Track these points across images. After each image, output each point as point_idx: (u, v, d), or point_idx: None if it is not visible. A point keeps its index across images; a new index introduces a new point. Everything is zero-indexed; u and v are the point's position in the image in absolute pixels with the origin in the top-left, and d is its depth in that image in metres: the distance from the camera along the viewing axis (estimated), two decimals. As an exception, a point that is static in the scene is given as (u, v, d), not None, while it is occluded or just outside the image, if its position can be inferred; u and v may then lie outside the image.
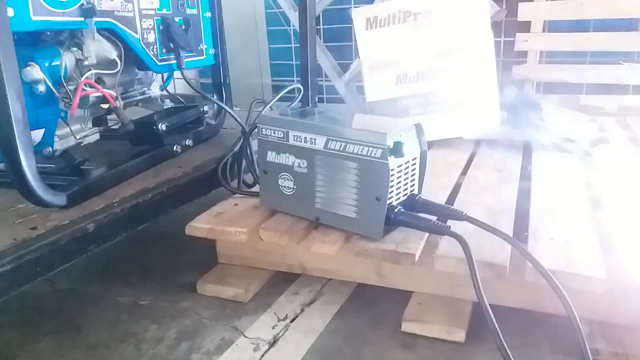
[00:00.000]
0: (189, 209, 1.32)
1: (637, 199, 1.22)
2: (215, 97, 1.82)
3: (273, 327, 1.13)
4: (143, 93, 1.61)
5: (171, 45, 1.51)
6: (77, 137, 1.36)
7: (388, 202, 1.04)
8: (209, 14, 1.69)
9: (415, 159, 1.09)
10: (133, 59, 1.42)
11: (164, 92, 1.71)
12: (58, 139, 1.31)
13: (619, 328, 0.98)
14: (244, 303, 1.22)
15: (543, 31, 2.45)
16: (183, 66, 1.54)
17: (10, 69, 0.94)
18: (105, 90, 1.31)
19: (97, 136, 1.47)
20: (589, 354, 0.81)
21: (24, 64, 1.15)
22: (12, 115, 0.95)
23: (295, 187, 1.16)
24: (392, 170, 1.01)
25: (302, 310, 1.19)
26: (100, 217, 1.13)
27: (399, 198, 1.07)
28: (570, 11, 2.35)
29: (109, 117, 1.46)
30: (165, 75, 1.69)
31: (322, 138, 1.08)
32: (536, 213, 1.15)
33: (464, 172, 1.45)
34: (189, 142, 1.60)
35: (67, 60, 1.24)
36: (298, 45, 1.98)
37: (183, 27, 1.57)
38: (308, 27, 1.73)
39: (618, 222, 1.11)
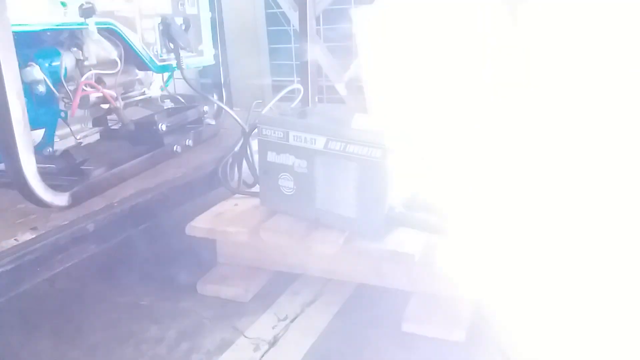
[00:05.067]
0: (189, 209, 1.32)
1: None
2: (215, 97, 1.82)
3: (273, 327, 1.13)
4: (143, 93, 1.61)
5: (171, 45, 1.51)
6: (77, 137, 1.36)
7: (388, 202, 1.04)
8: (209, 14, 1.69)
9: (415, 158, 1.09)
10: (133, 59, 1.42)
11: (164, 92, 1.71)
12: (58, 139, 1.31)
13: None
14: (244, 303, 1.22)
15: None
16: (183, 66, 1.54)
17: (10, 69, 0.94)
18: (105, 90, 1.32)
19: (97, 136, 1.47)
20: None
21: (24, 64, 1.15)
22: (12, 116, 0.95)
23: (295, 187, 1.16)
24: (392, 170, 1.01)
25: (302, 310, 1.19)
26: (100, 217, 1.13)
27: (398, 198, 1.07)
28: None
29: (109, 117, 1.46)
30: (166, 75, 1.69)
31: (322, 138, 1.08)
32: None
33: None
34: (189, 142, 1.60)
35: (67, 60, 1.24)
36: (298, 45, 1.98)
37: (183, 27, 1.56)
38: (308, 27, 1.73)
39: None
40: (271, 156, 1.17)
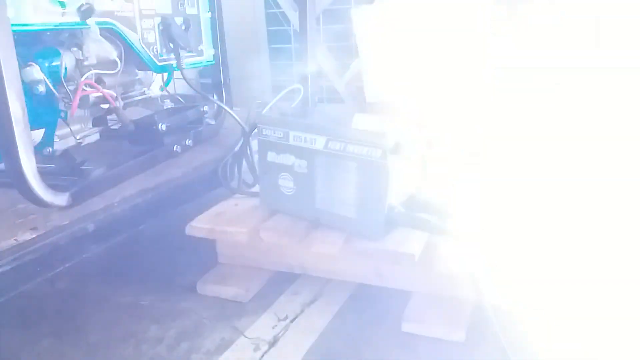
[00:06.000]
0: (189, 209, 1.32)
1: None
2: (215, 97, 1.82)
3: (273, 327, 1.13)
4: (143, 93, 1.61)
5: (171, 45, 1.51)
6: (77, 137, 1.36)
7: (388, 202, 1.04)
8: (209, 14, 1.69)
9: (415, 158, 1.09)
10: (133, 59, 1.42)
11: (164, 92, 1.71)
12: (58, 139, 1.31)
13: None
14: (244, 303, 1.22)
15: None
16: (183, 66, 1.54)
17: (10, 69, 0.94)
18: (105, 90, 1.32)
19: (97, 136, 1.47)
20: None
21: (24, 64, 1.15)
22: (12, 115, 0.95)
23: (295, 187, 1.16)
24: (392, 170, 1.01)
25: (302, 310, 1.19)
26: (100, 217, 1.13)
27: (398, 198, 1.07)
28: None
29: (109, 117, 1.46)
30: (165, 75, 1.69)
31: (322, 138, 1.08)
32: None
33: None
34: (189, 142, 1.60)
35: (67, 60, 1.24)
36: (298, 45, 1.98)
37: (183, 27, 1.57)
38: (308, 27, 1.73)
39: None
40: (271, 156, 1.17)
